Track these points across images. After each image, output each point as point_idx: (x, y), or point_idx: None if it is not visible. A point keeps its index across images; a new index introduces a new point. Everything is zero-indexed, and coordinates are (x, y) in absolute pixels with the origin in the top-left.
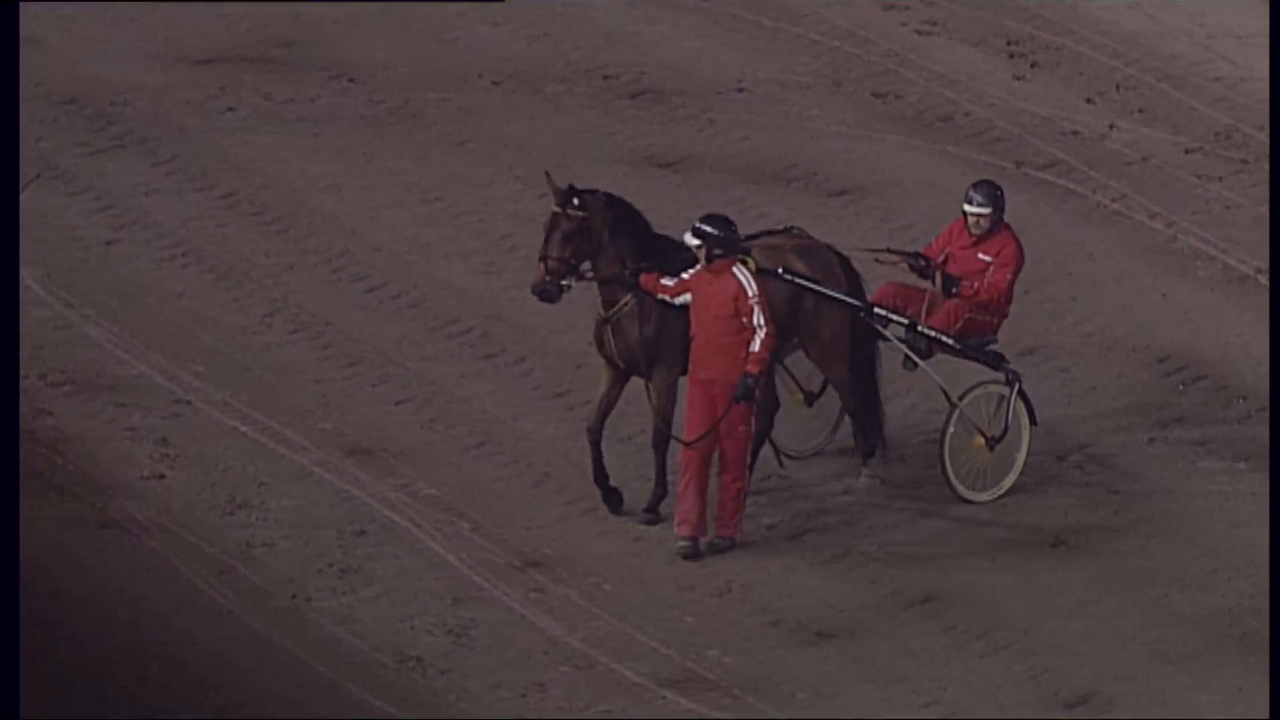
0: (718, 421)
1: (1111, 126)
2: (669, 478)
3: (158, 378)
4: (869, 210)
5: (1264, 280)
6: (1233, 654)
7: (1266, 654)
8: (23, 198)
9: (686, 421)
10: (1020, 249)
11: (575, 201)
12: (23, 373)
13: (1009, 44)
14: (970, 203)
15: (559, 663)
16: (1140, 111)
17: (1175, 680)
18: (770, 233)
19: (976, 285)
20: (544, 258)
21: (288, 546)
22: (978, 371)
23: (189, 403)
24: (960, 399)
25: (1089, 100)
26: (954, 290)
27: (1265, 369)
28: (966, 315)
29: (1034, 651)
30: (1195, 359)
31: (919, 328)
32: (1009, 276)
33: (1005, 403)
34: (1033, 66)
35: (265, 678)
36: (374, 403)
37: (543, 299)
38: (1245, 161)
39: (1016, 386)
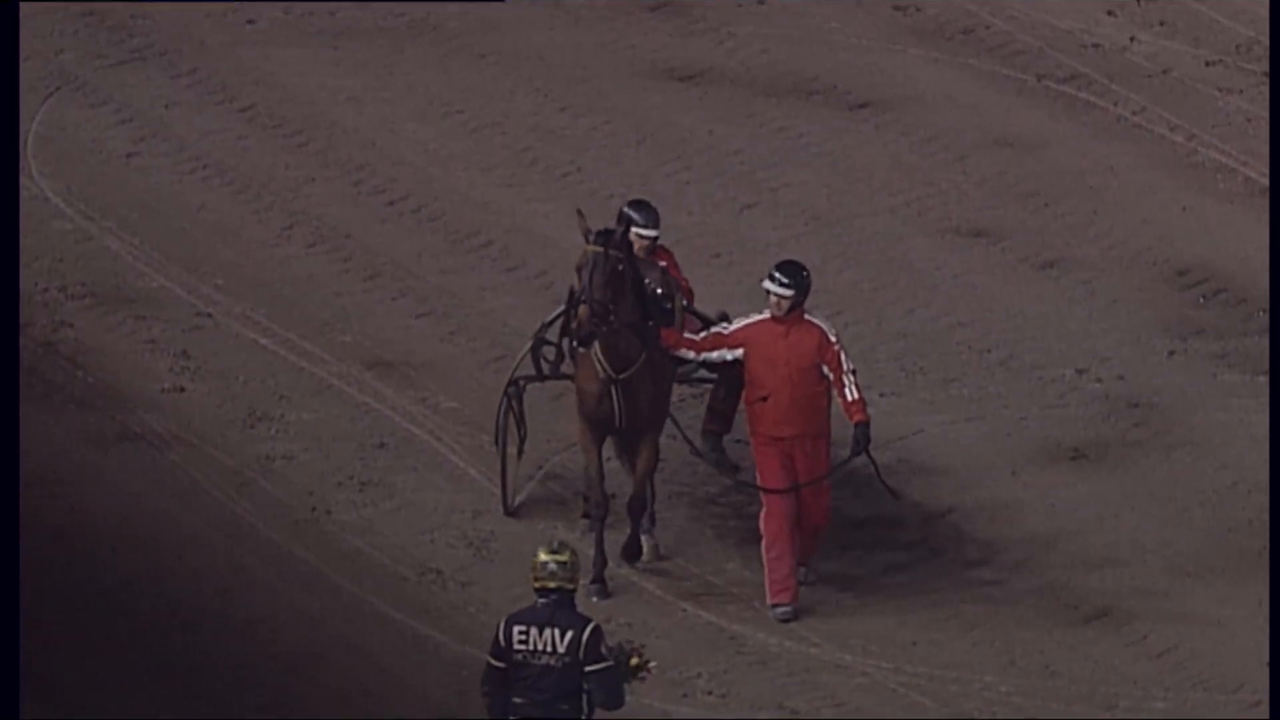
0: (822, 476)
1: (1132, 39)
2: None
3: (178, 290)
4: (889, 124)
5: None
6: (1253, 567)
7: None
8: (43, 110)
9: (764, 482)
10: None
11: (616, 240)
12: (43, 285)
13: None
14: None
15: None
16: (1161, 24)
17: (1195, 594)
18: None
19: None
20: (587, 300)
21: (308, 459)
22: None
23: (209, 315)
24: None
25: (1110, 13)
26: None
27: None
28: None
29: (1053, 565)
30: (1215, 272)
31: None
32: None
33: None
34: None
35: (285, 590)
36: (394, 316)
37: (583, 342)
38: (1266, 74)
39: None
